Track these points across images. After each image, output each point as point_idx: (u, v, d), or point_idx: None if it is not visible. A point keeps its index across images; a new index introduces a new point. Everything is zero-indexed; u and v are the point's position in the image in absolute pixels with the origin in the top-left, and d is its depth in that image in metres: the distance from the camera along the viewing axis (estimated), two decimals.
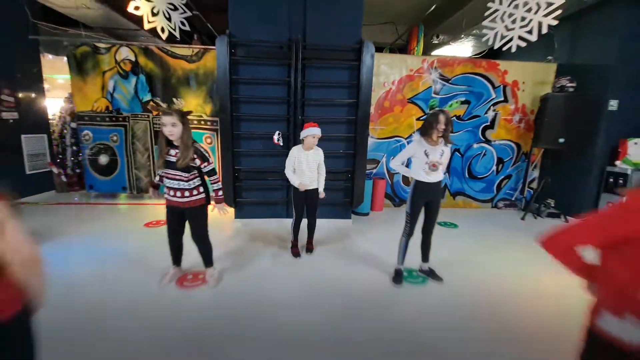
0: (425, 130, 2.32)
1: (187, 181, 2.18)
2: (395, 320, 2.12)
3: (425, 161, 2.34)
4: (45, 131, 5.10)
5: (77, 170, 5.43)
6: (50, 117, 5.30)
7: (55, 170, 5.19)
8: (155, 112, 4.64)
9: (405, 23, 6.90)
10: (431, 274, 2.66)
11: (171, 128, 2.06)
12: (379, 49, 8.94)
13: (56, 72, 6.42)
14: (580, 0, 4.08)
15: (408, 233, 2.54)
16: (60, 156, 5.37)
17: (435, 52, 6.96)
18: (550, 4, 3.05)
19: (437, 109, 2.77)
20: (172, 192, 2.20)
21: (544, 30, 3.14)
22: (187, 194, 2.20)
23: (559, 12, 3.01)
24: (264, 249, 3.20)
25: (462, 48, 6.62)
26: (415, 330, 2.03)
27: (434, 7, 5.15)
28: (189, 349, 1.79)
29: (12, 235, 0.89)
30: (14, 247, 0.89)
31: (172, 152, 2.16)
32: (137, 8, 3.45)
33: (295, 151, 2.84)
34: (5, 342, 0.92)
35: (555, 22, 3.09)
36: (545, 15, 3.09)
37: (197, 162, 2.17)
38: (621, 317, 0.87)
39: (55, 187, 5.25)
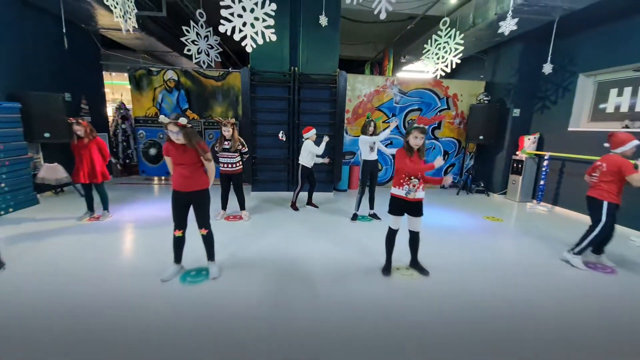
0: (366, 130, 4.07)
1: (234, 158, 3.92)
2: (342, 234, 3.87)
3: (370, 145, 4.09)
4: (106, 130, 6.83)
5: (127, 161, 7.19)
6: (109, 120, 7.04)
7: (113, 160, 6.92)
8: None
9: (382, 43, 8.66)
10: (374, 216, 4.43)
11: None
12: (363, 62, 10.73)
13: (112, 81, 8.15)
14: (501, 35, 5.83)
15: (360, 192, 4.29)
16: (114, 150, 7.11)
17: (404, 69, 8.72)
18: (457, 50, 4.77)
19: (368, 119, 4.43)
20: (225, 165, 3.94)
21: (454, 66, 4.88)
22: (234, 165, 3.94)
23: (460, 55, 4.75)
24: (272, 206, 4.95)
25: (423, 65, 8.38)
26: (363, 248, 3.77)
27: (399, 36, 6.92)
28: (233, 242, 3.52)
29: (200, 143, 2.46)
30: (204, 148, 2.46)
31: (225, 142, 3.90)
32: (188, 50, 5.18)
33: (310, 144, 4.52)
34: (201, 201, 2.56)
35: (458, 61, 4.83)
36: (455, 56, 4.83)
37: (241, 148, 3.92)
38: (399, 186, 2.62)
39: (112, 172, 6.97)
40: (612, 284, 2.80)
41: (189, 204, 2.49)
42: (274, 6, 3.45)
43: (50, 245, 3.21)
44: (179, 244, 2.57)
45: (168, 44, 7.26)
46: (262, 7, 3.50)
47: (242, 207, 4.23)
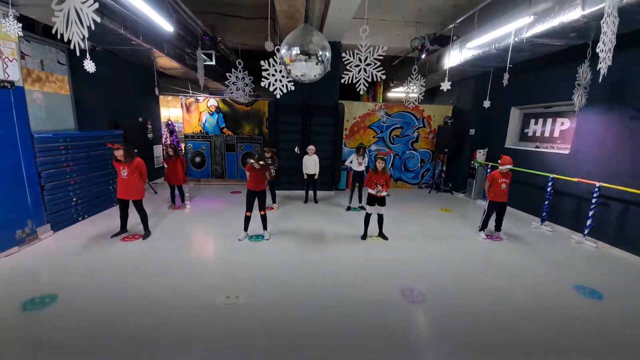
0: (358, 152, 6.09)
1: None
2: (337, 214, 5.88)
3: (357, 162, 6.10)
4: (160, 143, 8.90)
5: None
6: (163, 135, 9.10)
7: (165, 165, 8.96)
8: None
9: None
10: (362, 207, 6.44)
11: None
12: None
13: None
14: (459, 76, 7.79)
15: (352, 190, 6.31)
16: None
17: (393, 90, 10.70)
18: (421, 91, 6.74)
19: (362, 145, 6.42)
20: None
21: (419, 102, 6.85)
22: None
23: (422, 94, 6.73)
24: (289, 201, 6.98)
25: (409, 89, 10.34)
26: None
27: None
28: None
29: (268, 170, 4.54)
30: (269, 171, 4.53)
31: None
32: (230, 91, 7.20)
33: (305, 157, 6.56)
34: (263, 195, 4.60)
35: (422, 98, 6.80)
36: (420, 94, 6.79)
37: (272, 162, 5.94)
38: (372, 188, 4.62)
39: (164, 175, 9.03)
40: (499, 248, 4.77)
41: (255, 196, 4.52)
42: None
43: (160, 221, 5.27)
44: (248, 220, 4.60)
45: (207, 75, 9.30)
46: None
47: (274, 201, 6.27)
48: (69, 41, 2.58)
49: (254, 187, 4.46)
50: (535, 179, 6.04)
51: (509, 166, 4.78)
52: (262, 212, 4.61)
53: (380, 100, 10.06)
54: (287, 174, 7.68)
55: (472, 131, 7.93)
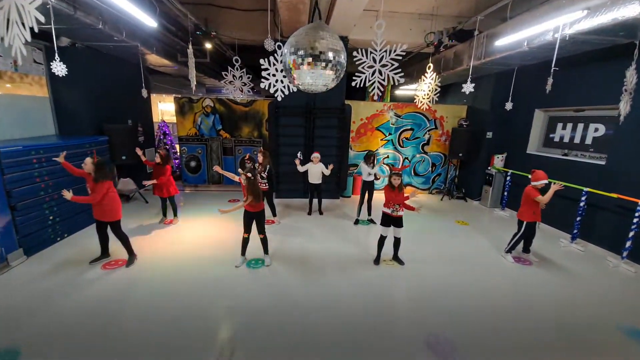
0: (367, 160, 5.49)
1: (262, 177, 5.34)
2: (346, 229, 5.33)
3: (368, 172, 5.52)
4: (153, 145, 8.30)
5: None
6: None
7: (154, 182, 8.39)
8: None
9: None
10: (371, 220, 5.88)
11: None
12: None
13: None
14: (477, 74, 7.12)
15: (360, 202, 5.74)
16: None
17: (401, 87, 10.02)
18: (437, 90, 6.11)
19: (371, 152, 5.80)
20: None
21: (434, 102, 6.22)
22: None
23: (438, 94, 6.09)
24: (291, 211, 6.42)
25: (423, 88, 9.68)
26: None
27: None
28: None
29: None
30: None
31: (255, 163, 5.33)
32: (226, 89, 6.57)
33: (308, 164, 5.98)
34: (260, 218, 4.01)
35: (437, 99, 6.17)
36: (435, 95, 6.16)
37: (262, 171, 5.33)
38: (388, 207, 4.05)
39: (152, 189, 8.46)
40: (530, 276, 4.21)
41: (253, 219, 3.96)
42: None
43: (148, 241, 4.73)
44: (245, 243, 4.06)
45: (203, 72, 8.65)
46: None
47: (274, 214, 5.71)
48: (47, 37, 2.00)
49: (251, 207, 3.88)
50: (564, 190, 5.45)
51: (545, 181, 4.20)
52: (262, 236, 4.06)
53: (388, 100, 9.39)
54: (289, 180, 7.11)
55: (489, 134, 7.31)
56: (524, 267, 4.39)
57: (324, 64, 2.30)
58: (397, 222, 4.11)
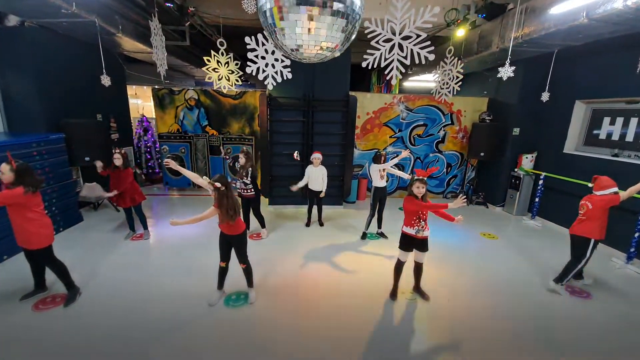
0: (377, 161, 4.51)
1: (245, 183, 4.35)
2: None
3: (379, 173, 4.54)
4: (131, 144, 7.31)
5: (150, 171, 7.71)
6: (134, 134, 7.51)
7: (138, 170, 7.43)
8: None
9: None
10: (382, 234, 4.91)
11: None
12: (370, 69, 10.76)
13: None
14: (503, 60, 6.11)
15: (371, 215, 4.77)
16: (138, 161, 7.63)
17: (411, 78, 8.98)
18: (458, 77, 5.11)
19: (379, 152, 4.79)
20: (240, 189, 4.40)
21: (455, 93, 5.22)
22: (245, 190, 4.39)
23: (460, 82, 5.09)
24: (285, 222, 5.46)
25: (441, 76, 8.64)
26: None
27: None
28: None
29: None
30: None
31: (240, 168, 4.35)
32: (209, 77, 5.57)
33: (308, 168, 5.03)
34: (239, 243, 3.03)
35: (459, 89, 5.17)
36: (456, 84, 5.16)
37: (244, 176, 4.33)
38: (411, 226, 3.08)
39: (138, 182, 7.50)
40: (595, 316, 3.24)
41: (229, 244, 2.99)
42: None
43: (104, 266, 3.77)
44: (223, 274, 3.09)
45: (187, 60, 7.63)
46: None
47: (262, 226, 4.74)
48: None
49: (225, 228, 2.92)
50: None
51: (615, 189, 3.23)
52: (243, 266, 3.09)
53: (397, 91, 8.36)
54: (284, 185, 6.12)
55: (516, 130, 6.31)
56: (582, 301, 3.42)
57: (329, 9, 1.33)
58: (422, 245, 3.15)
